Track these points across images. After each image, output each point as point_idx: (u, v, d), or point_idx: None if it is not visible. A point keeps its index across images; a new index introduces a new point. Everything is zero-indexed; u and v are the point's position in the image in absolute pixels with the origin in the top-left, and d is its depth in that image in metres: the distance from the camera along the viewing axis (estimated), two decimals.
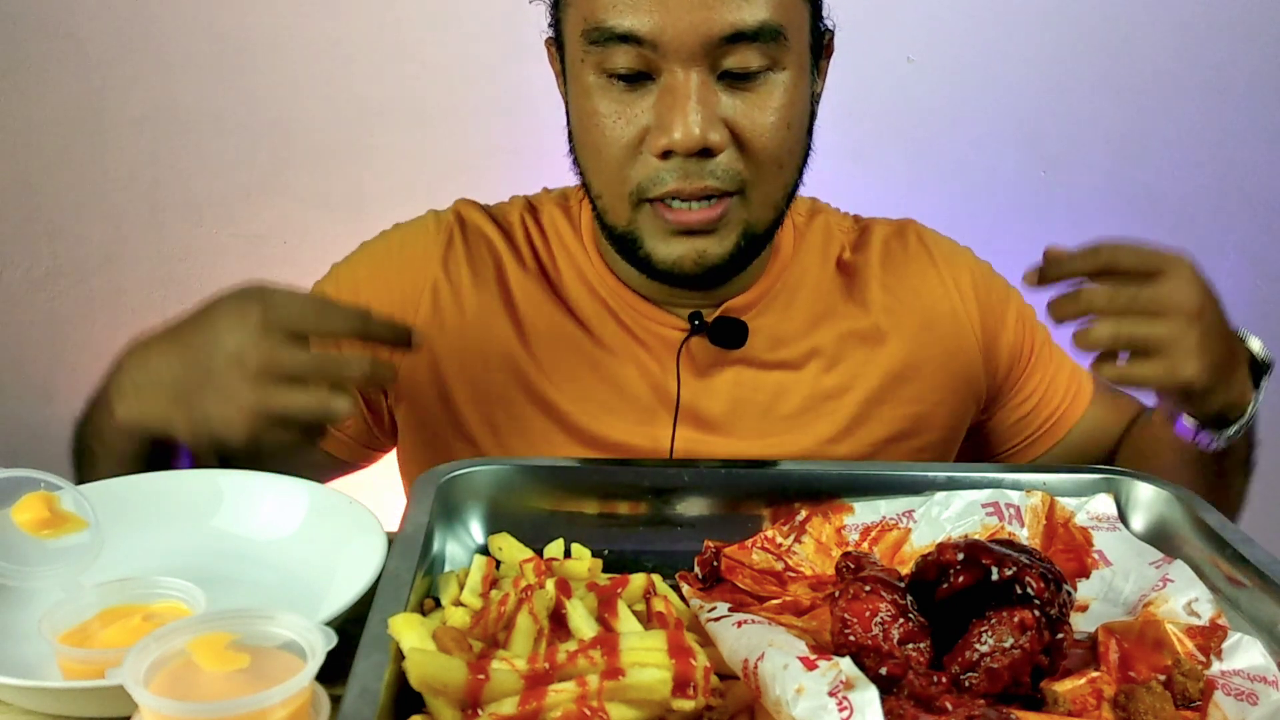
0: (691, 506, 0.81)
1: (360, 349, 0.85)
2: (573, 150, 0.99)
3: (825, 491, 0.80)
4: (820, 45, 0.99)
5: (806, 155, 1.00)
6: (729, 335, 1.03)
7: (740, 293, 1.05)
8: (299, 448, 0.81)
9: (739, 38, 0.88)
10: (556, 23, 0.98)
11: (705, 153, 0.90)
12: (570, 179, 1.01)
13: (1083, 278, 0.83)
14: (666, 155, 0.90)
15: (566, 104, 0.99)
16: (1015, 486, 0.80)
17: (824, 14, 0.99)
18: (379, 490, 1.07)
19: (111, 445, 0.88)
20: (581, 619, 0.62)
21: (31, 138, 1.95)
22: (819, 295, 1.08)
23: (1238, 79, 2.06)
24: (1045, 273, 0.83)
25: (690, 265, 0.95)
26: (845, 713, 0.52)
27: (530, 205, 1.12)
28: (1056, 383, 1.13)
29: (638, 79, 0.91)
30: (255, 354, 0.78)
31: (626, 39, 0.88)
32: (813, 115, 0.99)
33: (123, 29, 1.91)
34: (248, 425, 0.78)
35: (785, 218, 1.02)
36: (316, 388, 0.79)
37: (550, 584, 0.65)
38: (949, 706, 0.57)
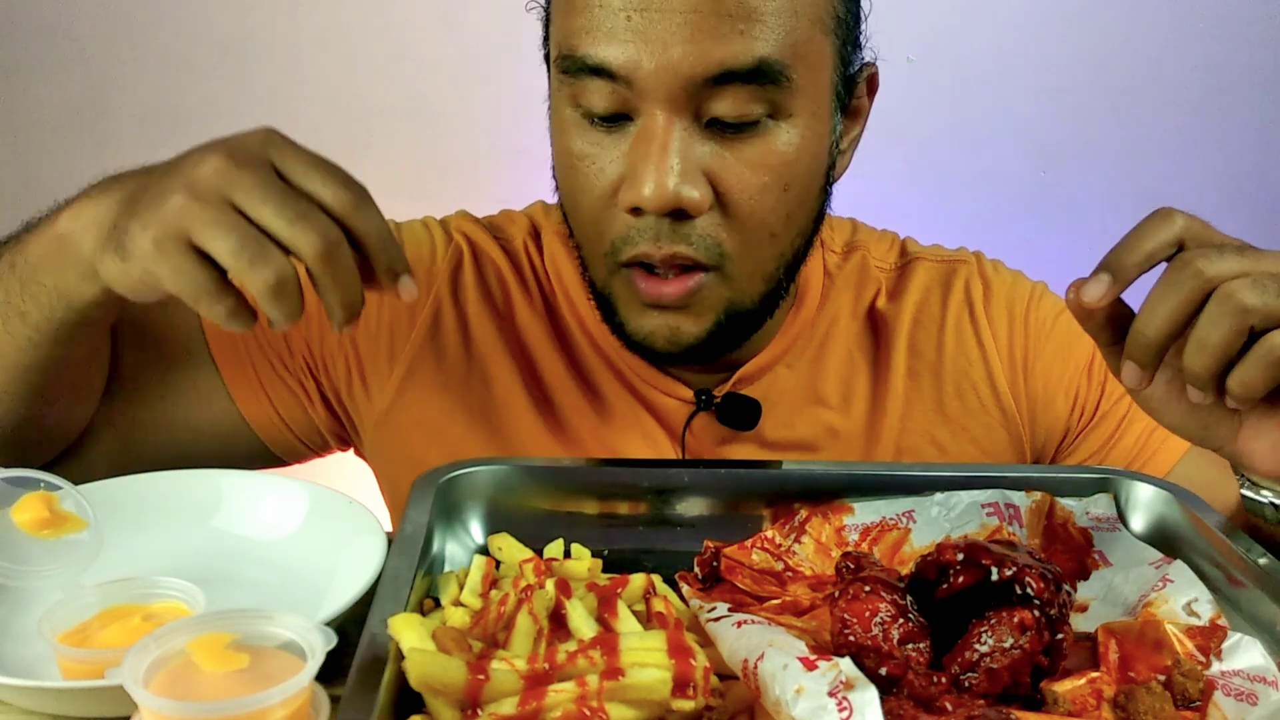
0: (691, 506, 0.81)
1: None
2: (557, 189, 0.88)
3: (825, 491, 0.80)
4: (851, 84, 0.85)
5: (817, 217, 0.87)
6: (739, 415, 0.93)
7: (755, 353, 0.95)
8: (208, 313, 0.65)
9: (730, 78, 0.75)
10: (546, 40, 0.87)
11: (681, 213, 0.78)
12: None
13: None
14: (637, 211, 0.79)
15: (551, 135, 0.87)
16: (1015, 486, 0.80)
17: (862, 45, 0.86)
18: (379, 490, 1.07)
19: (25, 271, 0.74)
20: (581, 619, 0.62)
21: (31, 138, 1.95)
22: (844, 355, 0.97)
23: (1237, 79, 2.06)
24: (1117, 273, 0.68)
25: (663, 342, 0.85)
26: (845, 713, 0.52)
27: (534, 229, 1.01)
28: (1121, 445, 0.97)
29: (616, 119, 0.79)
30: (214, 167, 0.62)
31: (600, 72, 0.77)
32: (832, 167, 0.86)
33: (123, 29, 1.92)
34: (155, 243, 0.62)
35: (788, 286, 0.90)
36: (264, 248, 0.61)
37: (550, 584, 0.65)
38: (949, 707, 0.57)
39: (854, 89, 0.87)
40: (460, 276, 0.97)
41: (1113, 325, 0.71)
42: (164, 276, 0.64)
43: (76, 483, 0.75)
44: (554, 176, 0.88)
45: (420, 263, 0.98)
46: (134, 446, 0.93)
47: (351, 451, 1.06)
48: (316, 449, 1.02)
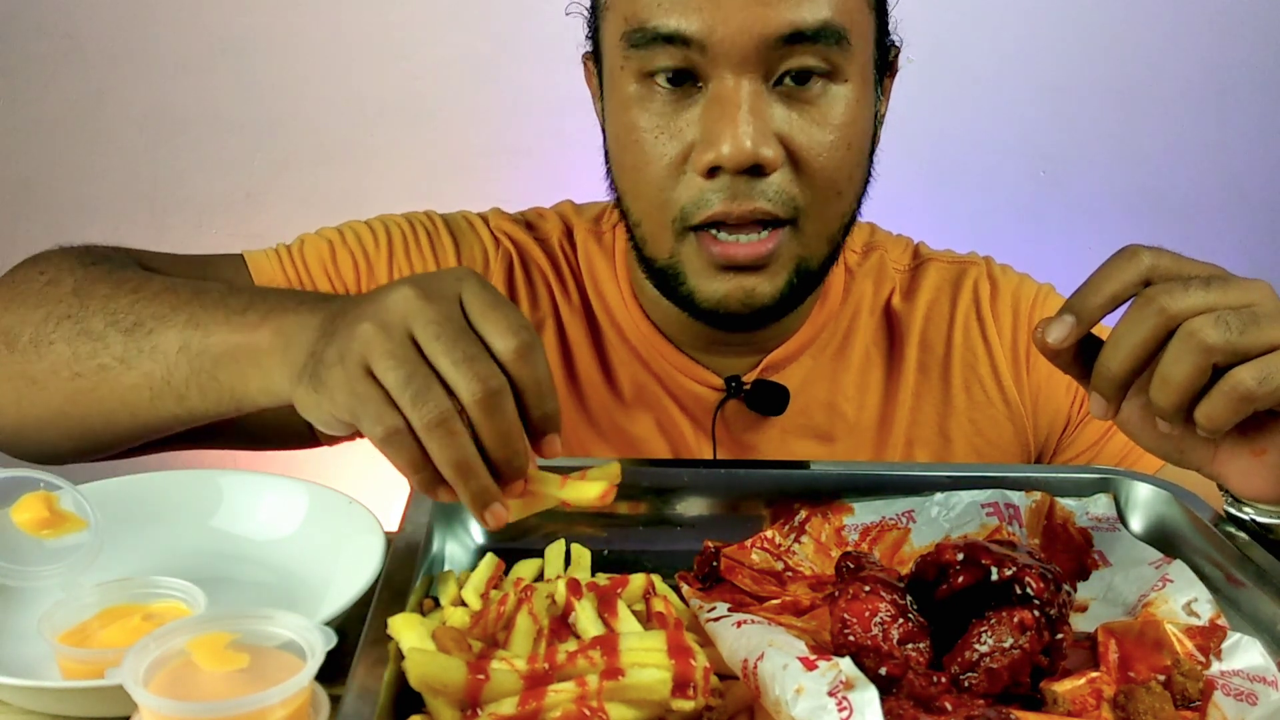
0: (691, 506, 0.81)
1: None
2: (610, 173, 0.91)
3: (825, 491, 0.80)
4: (886, 61, 0.91)
5: (866, 182, 0.91)
6: (768, 400, 0.96)
7: (781, 342, 0.98)
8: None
9: (798, 38, 0.80)
10: (595, 33, 0.90)
11: (757, 170, 0.81)
12: (585, 190, 0.97)
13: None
14: (713, 173, 0.82)
15: (603, 124, 0.91)
16: (1015, 486, 0.80)
17: (891, 29, 0.91)
18: (379, 490, 1.07)
19: (200, 361, 0.72)
20: (589, 620, 0.62)
21: (31, 138, 1.95)
22: (862, 349, 1.01)
23: (1237, 80, 2.06)
24: (1080, 315, 0.70)
25: (737, 305, 0.86)
26: (845, 713, 0.52)
27: (567, 228, 1.04)
28: (1119, 437, 0.99)
29: (682, 84, 0.82)
30: (403, 295, 0.62)
31: (672, 39, 0.81)
32: (875, 138, 0.91)
33: (123, 29, 1.92)
34: (345, 372, 0.62)
35: (840, 252, 0.93)
36: (430, 386, 0.60)
37: (561, 584, 0.65)
38: (949, 706, 0.57)
39: (887, 67, 0.92)
40: (513, 279, 1.01)
41: (1081, 361, 0.73)
42: (343, 403, 0.63)
43: (83, 477, 0.75)
44: (607, 161, 0.91)
45: (475, 264, 1.00)
46: (194, 437, 0.93)
47: (353, 444, 1.05)
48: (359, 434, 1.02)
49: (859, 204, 0.91)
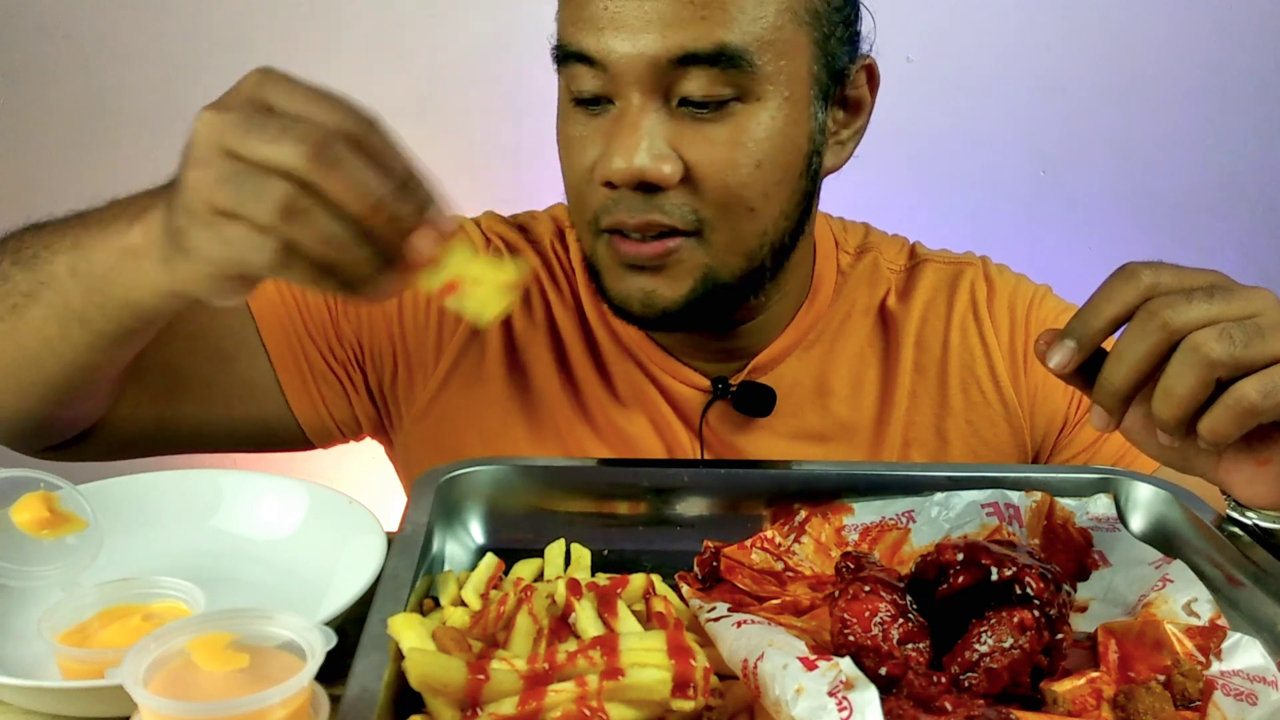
0: (691, 506, 0.81)
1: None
2: None
3: (825, 491, 0.80)
4: (839, 77, 0.89)
5: (804, 202, 0.90)
6: (755, 402, 0.96)
7: (768, 343, 0.99)
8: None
9: (692, 60, 0.81)
10: None
11: (651, 187, 0.83)
12: None
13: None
14: (612, 186, 0.84)
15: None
16: (1015, 486, 0.80)
17: (861, 41, 0.90)
18: (379, 490, 1.07)
19: (90, 280, 0.72)
20: (590, 620, 0.62)
21: (31, 138, 1.95)
22: (855, 350, 1.01)
23: (1237, 79, 2.06)
24: (1081, 340, 0.70)
25: (638, 305, 0.88)
26: (845, 713, 0.52)
27: (559, 229, 1.05)
28: (1116, 436, 0.99)
29: (599, 102, 0.85)
30: (203, 121, 0.60)
31: (582, 59, 0.84)
32: (817, 155, 0.90)
33: (123, 29, 1.91)
34: (201, 228, 0.60)
35: (772, 270, 0.91)
36: (258, 181, 0.57)
37: (561, 584, 0.65)
38: (949, 706, 0.57)
39: (845, 81, 0.90)
40: None
41: (1084, 372, 0.72)
42: (218, 256, 0.61)
43: (83, 477, 0.75)
44: None
45: None
46: (181, 442, 0.95)
47: (353, 444, 1.07)
48: (350, 435, 1.04)
49: (793, 222, 0.90)
